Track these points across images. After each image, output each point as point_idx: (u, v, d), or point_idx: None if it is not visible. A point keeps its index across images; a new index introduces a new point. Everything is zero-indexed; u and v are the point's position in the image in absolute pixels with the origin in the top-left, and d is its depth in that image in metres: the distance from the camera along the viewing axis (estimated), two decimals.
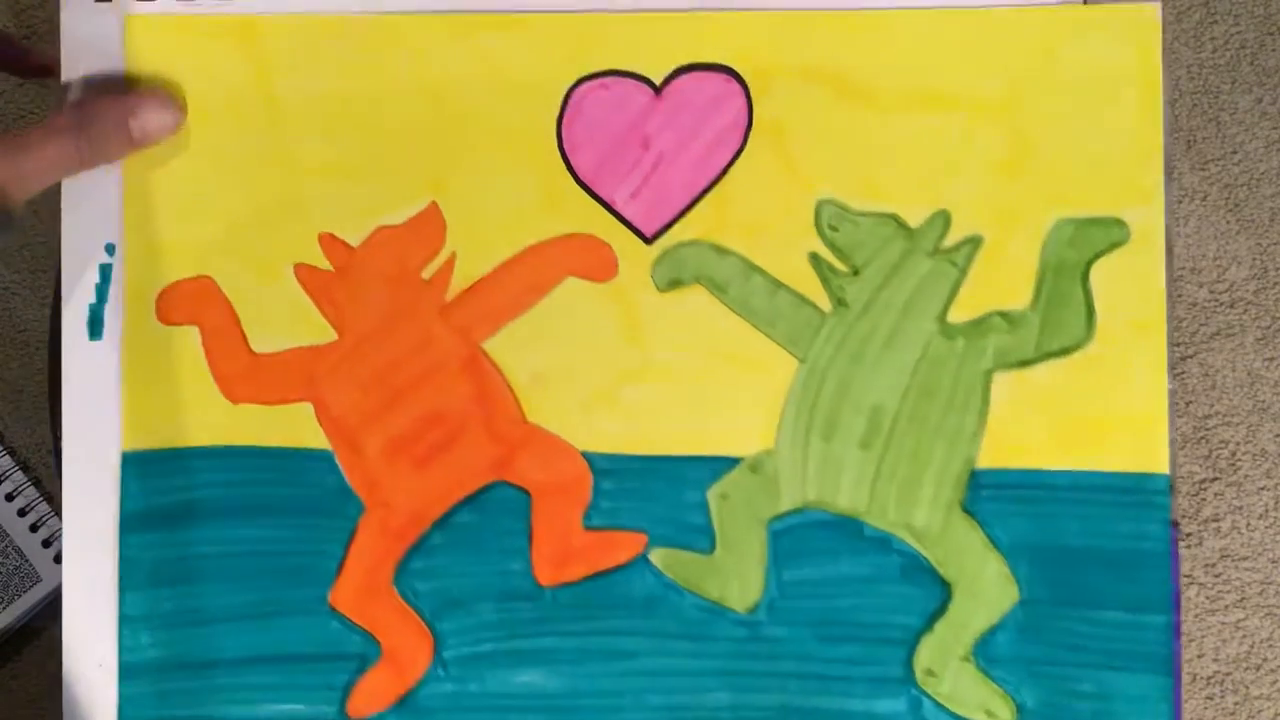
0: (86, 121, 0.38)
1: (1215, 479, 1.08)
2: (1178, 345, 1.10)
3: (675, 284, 0.40)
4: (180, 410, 0.41)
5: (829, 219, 0.40)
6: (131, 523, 0.41)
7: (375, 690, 0.41)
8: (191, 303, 0.41)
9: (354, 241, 0.41)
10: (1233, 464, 1.08)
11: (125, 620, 0.41)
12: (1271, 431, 1.09)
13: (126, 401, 0.41)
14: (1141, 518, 0.39)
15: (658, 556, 0.40)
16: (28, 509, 0.93)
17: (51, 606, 0.89)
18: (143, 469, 0.41)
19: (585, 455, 0.41)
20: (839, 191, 0.40)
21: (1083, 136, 0.39)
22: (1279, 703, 1.05)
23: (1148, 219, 0.39)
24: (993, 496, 0.39)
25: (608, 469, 0.40)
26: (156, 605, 0.41)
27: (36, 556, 0.90)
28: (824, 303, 0.40)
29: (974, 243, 0.40)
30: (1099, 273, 0.39)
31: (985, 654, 0.39)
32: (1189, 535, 1.08)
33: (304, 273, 0.41)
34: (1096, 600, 0.39)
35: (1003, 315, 0.39)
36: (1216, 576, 1.08)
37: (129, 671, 0.41)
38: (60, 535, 0.42)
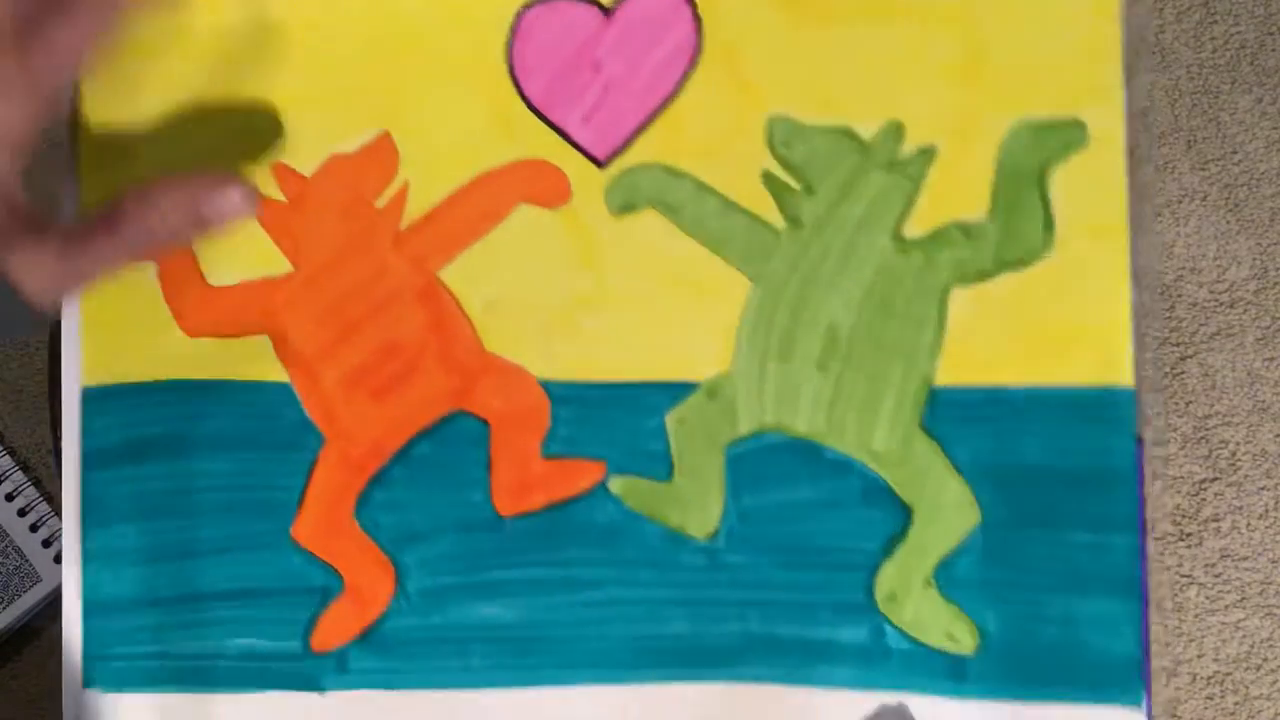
0: (150, 209, 0.35)
1: (1215, 479, 1.07)
2: (1177, 345, 1.09)
3: (629, 208, 0.40)
4: (138, 345, 0.41)
5: (781, 136, 0.39)
6: (93, 459, 0.41)
7: (338, 623, 0.41)
8: None
9: (307, 172, 0.41)
10: (1233, 464, 1.07)
11: (88, 557, 0.41)
12: (1271, 431, 1.08)
13: (85, 338, 0.41)
14: (1105, 432, 0.38)
15: (617, 485, 0.40)
16: (28, 509, 0.96)
17: (51, 606, 0.91)
18: (103, 405, 0.41)
19: (543, 383, 0.41)
20: (791, 108, 0.40)
21: (1037, 37, 0.38)
22: (1279, 703, 1.04)
23: (1106, 119, 0.38)
24: (952, 415, 0.39)
25: (565, 397, 0.40)
26: (118, 541, 0.41)
27: (36, 556, 0.92)
28: (778, 222, 0.40)
29: (928, 154, 0.39)
30: (1057, 179, 0.38)
31: (947, 578, 0.38)
32: (1189, 535, 1.06)
33: (258, 204, 0.41)
34: (1060, 520, 0.38)
35: (959, 227, 0.39)
36: (1216, 576, 1.06)
37: (92, 609, 0.41)
38: (60, 535, 0.43)
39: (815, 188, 0.39)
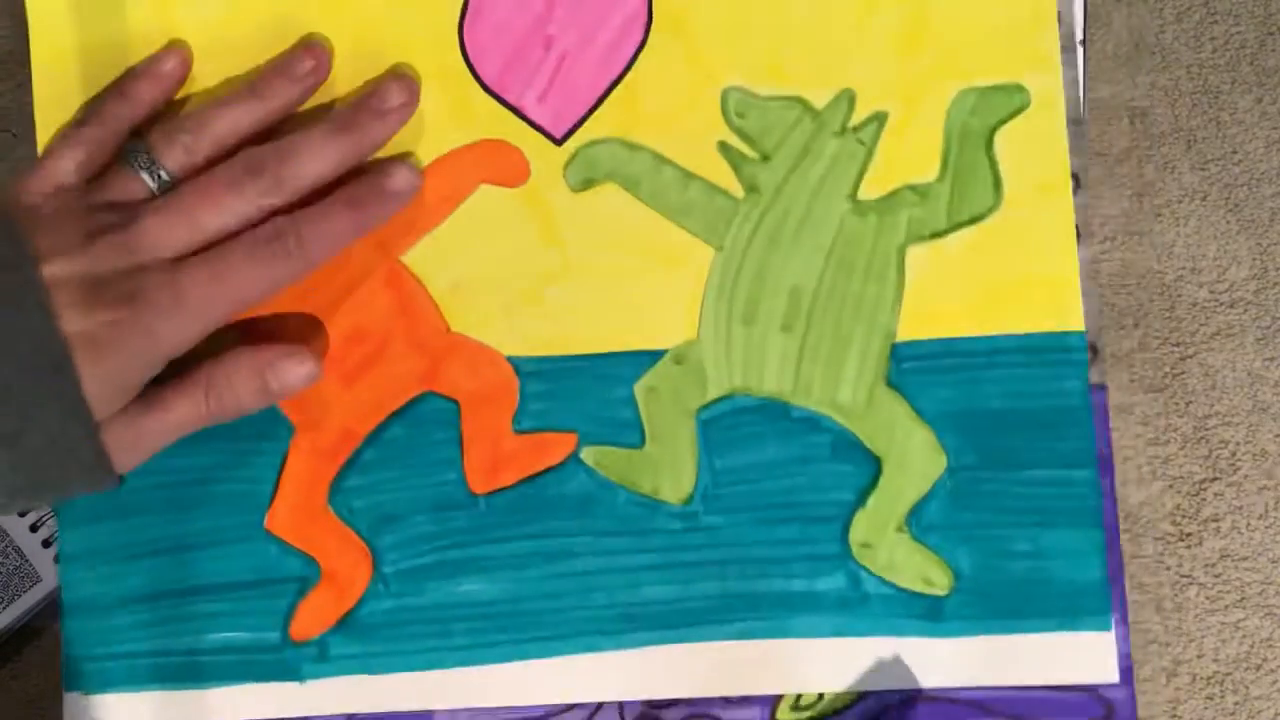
0: (219, 377, 0.38)
1: (1215, 479, 1.09)
2: (1177, 345, 1.12)
3: (588, 183, 0.41)
4: None
5: (735, 106, 0.41)
6: None
7: (317, 611, 0.42)
8: None
9: None
10: (1233, 464, 1.09)
11: (65, 559, 0.41)
12: (1271, 431, 1.10)
13: None
14: (1060, 375, 0.40)
15: (589, 455, 0.41)
16: (28, 509, 0.94)
17: (51, 606, 0.90)
18: None
19: (511, 360, 0.42)
20: (744, 78, 0.41)
21: (979, 7, 0.41)
22: (1279, 703, 1.06)
23: (1047, 84, 0.40)
24: (915, 368, 0.40)
25: (534, 371, 0.41)
26: (94, 541, 0.41)
27: (36, 556, 0.91)
28: (737, 190, 0.41)
29: (880, 119, 0.41)
30: (1003, 140, 0.41)
31: (919, 523, 0.40)
32: (1189, 535, 1.09)
33: None
34: (1023, 461, 0.40)
35: (913, 189, 0.41)
36: (1216, 576, 1.09)
37: (72, 610, 0.41)
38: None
39: (771, 156, 0.41)
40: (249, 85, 0.39)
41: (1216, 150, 1.13)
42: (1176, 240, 1.13)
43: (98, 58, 0.41)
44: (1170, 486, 1.10)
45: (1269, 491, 1.09)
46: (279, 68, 0.39)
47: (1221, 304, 1.12)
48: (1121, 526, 1.08)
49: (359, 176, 0.39)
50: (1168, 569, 1.09)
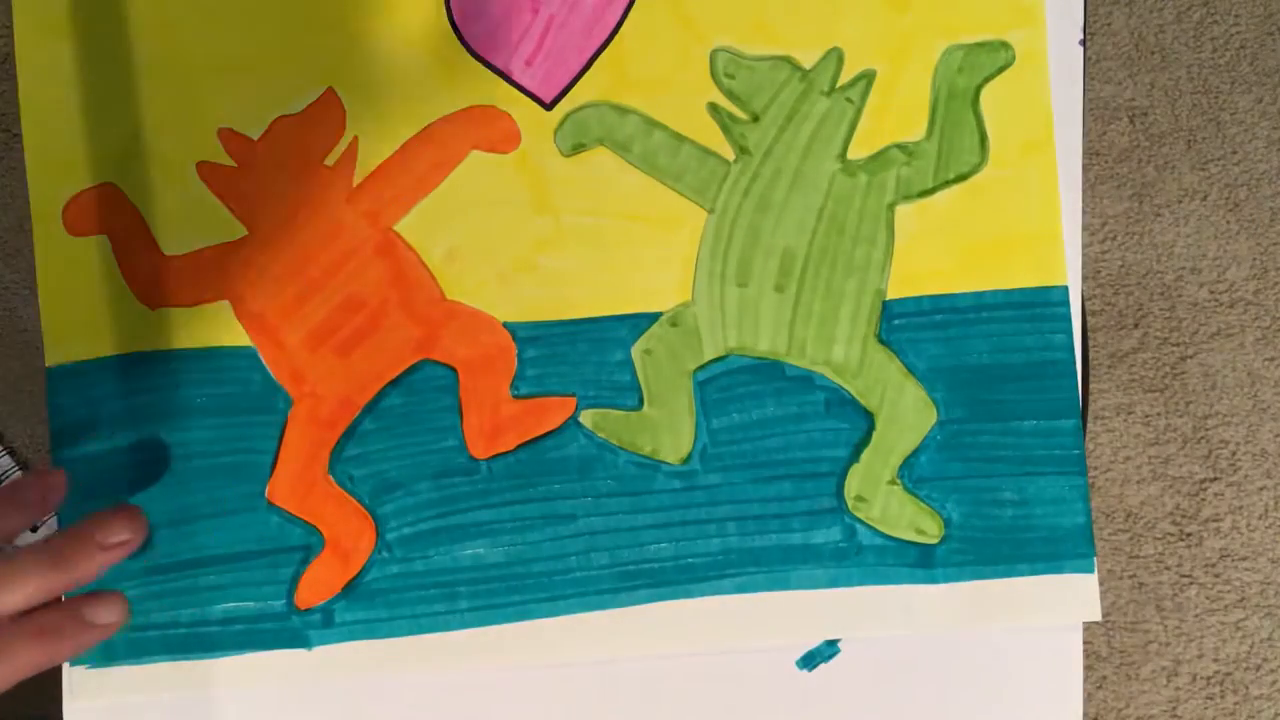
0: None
1: (1215, 479, 1.13)
2: (1177, 345, 1.16)
3: (579, 147, 0.44)
4: (99, 321, 0.44)
5: (724, 67, 0.44)
6: (63, 438, 0.44)
7: (321, 579, 0.45)
8: (98, 212, 0.44)
9: (254, 135, 0.44)
10: (1233, 464, 1.13)
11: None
12: (1271, 431, 1.14)
13: (46, 317, 0.44)
14: (1045, 329, 0.44)
15: (588, 417, 0.44)
16: None
17: None
18: (69, 383, 0.44)
19: (507, 325, 0.44)
20: (732, 39, 0.44)
21: None
22: (1279, 703, 1.11)
23: (1031, 40, 0.43)
24: (905, 325, 0.44)
25: (530, 337, 0.44)
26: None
27: None
28: (727, 152, 0.44)
29: (868, 78, 0.44)
30: (988, 97, 0.44)
31: (910, 475, 0.44)
32: (1189, 535, 1.14)
33: (207, 170, 0.44)
34: (1010, 412, 0.44)
35: (900, 147, 0.44)
36: (1216, 576, 1.13)
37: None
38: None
39: (761, 116, 0.44)
40: (52, 550, 0.38)
41: (1216, 150, 1.16)
42: (1176, 240, 1.16)
43: (85, 58, 0.43)
44: (1170, 486, 1.14)
45: (1269, 491, 1.14)
46: (88, 535, 0.39)
47: (1221, 304, 1.16)
48: (1121, 526, 1.13)
49: (58, 604, 0.38)
50: (1168, 569, 1.13)
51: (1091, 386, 1.14)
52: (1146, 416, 1.14)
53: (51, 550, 0.37)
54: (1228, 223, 1.16)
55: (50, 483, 0.40)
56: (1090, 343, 1.15)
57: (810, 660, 0.44)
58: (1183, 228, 1.16)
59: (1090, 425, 1.14)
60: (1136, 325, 1.15)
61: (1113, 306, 1.15)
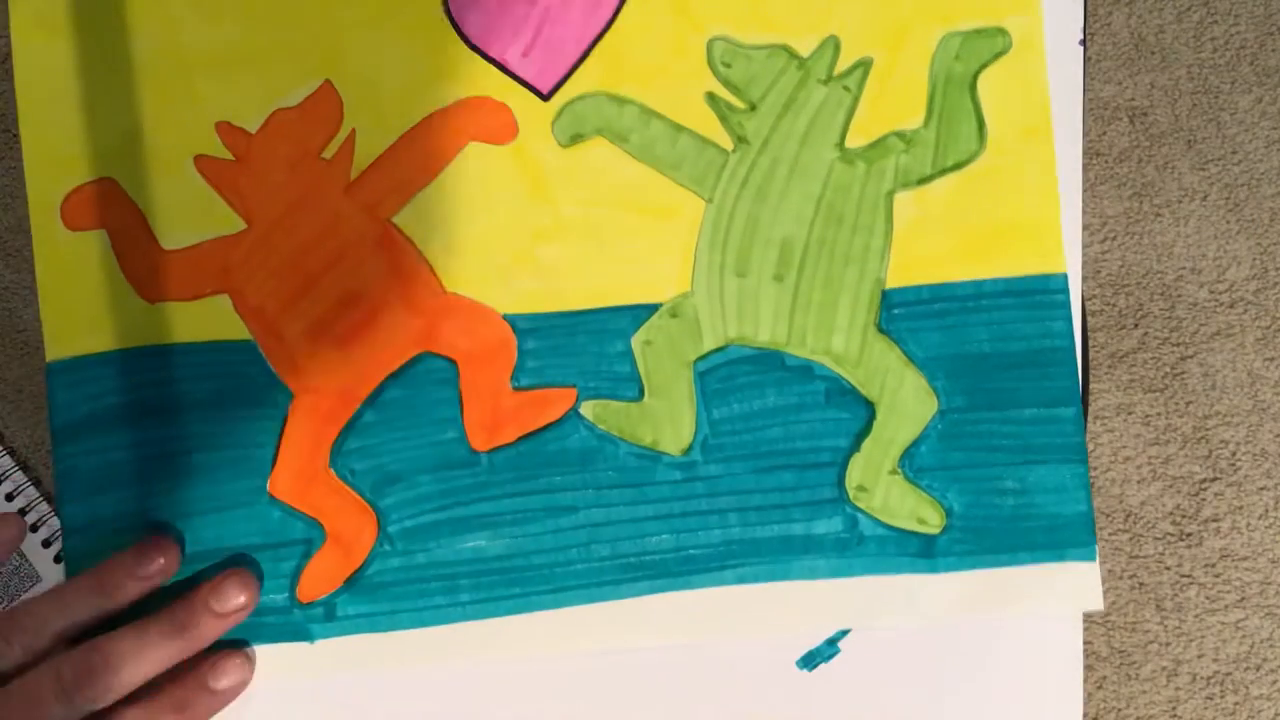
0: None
1: (1215, 479, 1.14)
2: (1177, 345, 1.16)
3: (577, 138, 0.44)
4: (99, 316, 0.44)
5: (721, 56, 0.44)
6: (63, 434, 0.44)
7: (323, 573, 0.45)
8: (96, 206, 0.44)
9: (252, 129, 0.45)
10: (1233, 464, 1.14)
11: (68, 533, 0.44)
12: (1271, 431, 1.14)
13: (45, 312, 0.44)
14: (1044, 317, 0.44)
15: (589, 409, 0.45)
16: (28, 509, 0.99)
17: None
18: (68, 378, 0.44)
19: (507, 317, 0.45)
20: (729, 27, 0.44)
21: None
22: (1279, 703, 1.12)
23: (1028, 26, 0.44)
24: (904, 314, 0.44)
25: (530, 329, 0.45)
26: (97, 512, 0.44)
27: (36, 556, 0.95)
28: (725, 142, 0.44)
29: (865, 66, 0.44)
30: (985, 84, 0.44)
31: (911, 465, 0.44)
32: (1189, 535, 1.14)
33: (205, 164, 0.45)
34: (1010, 401, 0.44)
35: (899, 135, 0.44)
36: (1216, 576, 1.13)
37: None
38: (60, 535, 0.46)
39: (758, 105, 0.44)
40: (95, 580, 0.41)
41: (1216, 150, 1.17)
42: (1176, 240, 1.16)
43: (82, 53, 0.44)
44: (1170, 486, 1.14)
45: (1269, 491, 1.14)
46: (128, 566, 0.42)
47: (1221, 304, 1.16)
48: (1121, 527, 1.14)
49: (189, 674, 0.42)
50: (1168, 569, 1.14)
51: (1091, 386, 1.14)
52: (1146, 416, 1.15)
53: (175, 620, 0.41)
54: (1228, 223, 1.17)
55: (168, 551, 0.43)
56: (1090, 343, 1.15)
57: (810, 660, 0.45)
58: (1183, 228, 1.17)
59: (1090, 425, 1.14)
60: (1136, 325, 1.15)
61: (1113, 306, 1.16)
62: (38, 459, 1.04)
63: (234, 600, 0.42)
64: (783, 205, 0.44)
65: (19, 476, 1.01)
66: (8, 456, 1.02)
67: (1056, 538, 0.44)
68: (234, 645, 0.44)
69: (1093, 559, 0.44)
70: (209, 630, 0.42)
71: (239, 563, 0.44)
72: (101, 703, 0.39)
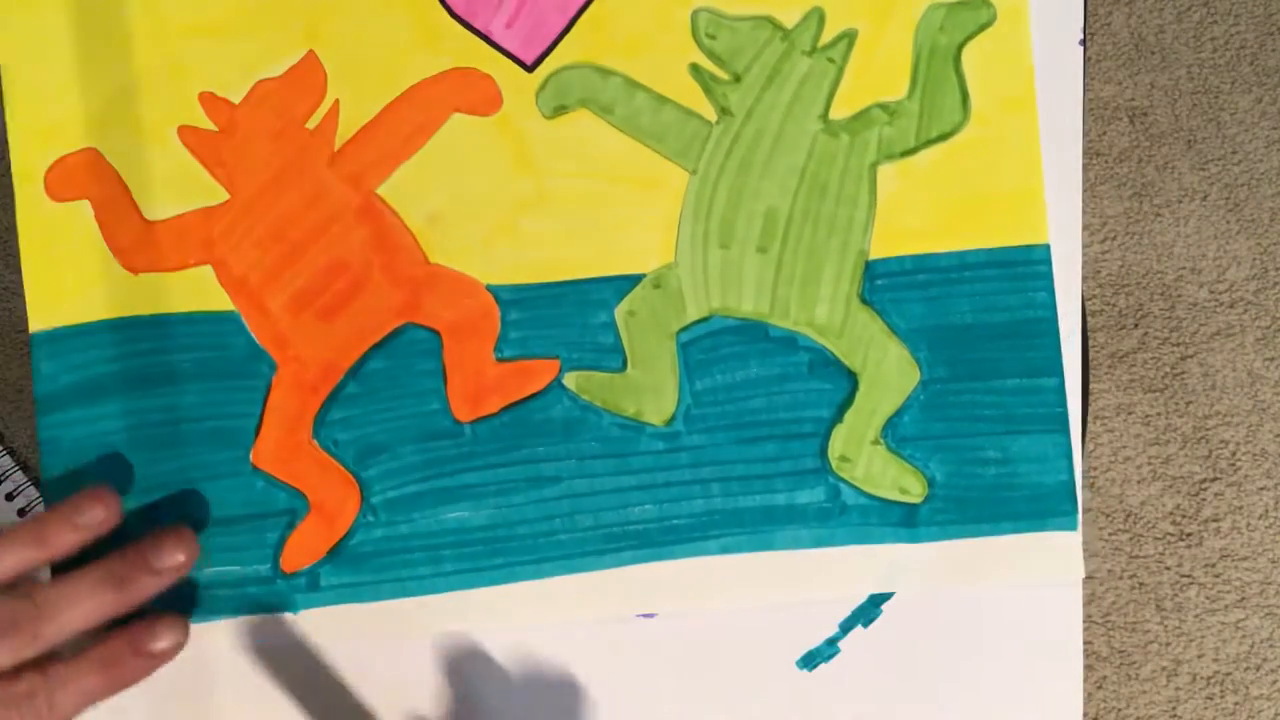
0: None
1: (1215, 479, 1.14)
2: (1177, 345, 1.16)
3: (561, 109, 0.45)
4: (82, 286, 0.44)
5: (706, 27, 0.44)
6: (47, 403, 0.44)
7: (307, 543, 0.45)
8: (79, 177, 0.45)
9: (235, 99, 0.45)
10: (1233, 464, 1.14)
11: (49, 501, 0.45)
12: (1271, 431, 1.15)
13: (29, 282, 0.44)
14: (1026, 288, 0.44)
15: (572, 380, 0.45)
16: (28, 509, 1.00)
17: None
18: (52, 348, 0.44)
19: (490, 288, 0.45)
20: None
21: None
22: (1279, 703, 1.12)
23: None
24: (887, 285, 0.44)
25: (514, 299, 0.45)
26: (80, 483, 0.44)
27: None
28: (709, 113, 0.45)
29: (849, 37, 0.44)
30: (969, 56, 0.44)
31: (894, 435, 0.44)
32: (1189, 535, 1.14)
33: (188, 134, 0.45)
34: (992, 371, 0.44)
35: (883, 107, 0.44)
36: (1216, 576, 1.14)
37: None
38: None
39: (742, 76, 0.44)
40: (33, 530, 0.40)
41: (1216, 150, 1.17)
42: (1176, 240, 1.17)
43: (66, 23, 0.44)
44: (1170, 486, 1.15)
45: (1269, 491, 1.14)
46: (66, 515, 0.40)
47: (1221, 304, 1.17)
48: (1121, 527, 1.14)
49: (120, 633, 0.41)
50: (1168, 569, 1.14)
51: (1091, 386, 1.14)
52: (1146, 416, 1.15)
53: (107, 572, 0.40)
54: (1228, 223, 1.17)
55: (108, 501, 0.41)
56: (1090, 343, 1.15)
57: (810, 660, 0.45)
58: (1183, 228, 1.17)
59: (1090, 425, 1.15)
60: (1136, 325, 1.15)
61: (1113, 306, 1.16)
62: (37, 459, 1.04)
63: (172, 557, 0.41)
64: (766, 176, 0.44)
65: (19, 476, 1.02)
66: (8, 456, 1.03)
67: (1038, 507, 0.44)
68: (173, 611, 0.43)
69: (1074, 529, 0.44)
70: (145, 586, 0.41)
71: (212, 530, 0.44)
72: (28, 651, 0.38)
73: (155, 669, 0.41)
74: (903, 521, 0.44)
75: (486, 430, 0.45)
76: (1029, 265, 0.44)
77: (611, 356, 0.45)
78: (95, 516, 0.41)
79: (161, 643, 0.41)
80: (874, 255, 0.44)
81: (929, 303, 0.44)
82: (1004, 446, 0.44)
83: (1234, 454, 1.15)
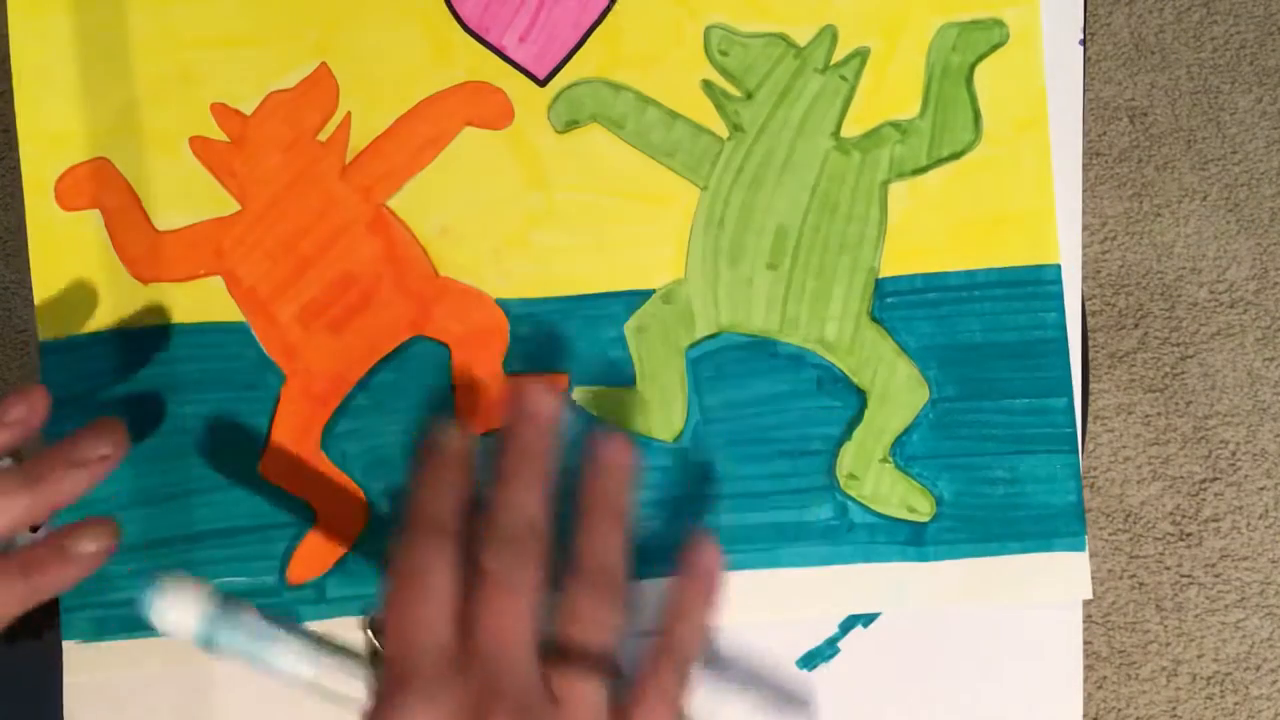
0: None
1: (1215, 479, 1.15)
2: (1177, 345, 1.17)
3: (572, 124, 0.45)
4: (92, 296, 0.45)
5: (718, 44, 0.44)
6: (55, 412, 0.45)
7: (313, 555, 0.45)
8: (90, 186, 0.45)
9: (247, 110, 0.45)
10: (1233, 464, 1.15)
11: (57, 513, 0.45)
12: (1271, 431, 1.15)
13: (38, 292, 0.45)
14: (1036, 307, 0.44)
15: (581, 395, 0.45)
16: None
17: (51, 605, 0.93)
18: (61, 358, 0.45)
19: (500, 302, 0.45)
20: (727, 15, 0.45)
21: None
22: (1279, 703, 1.13)
23: (1025, 18, 0.44)
24: (897, 303, 0.45)
25: (523, 314, 0.45)
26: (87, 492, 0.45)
27: None
28: (721, 129, 0.45)
29: (862, 55, 0.44)
30: (982, 75, 0.44)
31: (902, 453, 0.45)
32: (1189, 535, 1.15)
33: (200, 145, 0.45)
34: (1002, 391, 0.45)
35: (894, 125, 0.44)
36: (1216, 576, 1.14)
37: None
38: None
39: (754, 94, 0.45)
40: None
41: (1216, 150, 1.18)
42: (1176, 240, 1.17)
43: (79, 32, 0.44)
44: (1170, 486, 1.15)
45: (1269, 491, 1.15)
46: None
47: (1221, 304, 1.17)
48: (1121, 527, 1.14)
49: (45, 537, 0.37)
50: (1168, 569, 1.14)
51: (1091, 386, 1.14)
52: (1146, 416, 1.15)
53: (25, 471, 0.37)
54: (1228, 223, 1.17)
55: (33, 398, 0.38)
56: (1090, 343, 1.16)
57: (810, 660, 0.45)
58: (1183, 228, 1.17)
59: (1090, 425, 1.15)
60: (1136, 325, 1.16)
61: (1113, 306, 1.16)
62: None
63: (93, 449, 0.38)
64: (777, 193, 0.44)
65: None
66: (8, 458, 1.03)
67: (1046, 527, 0.44)
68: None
69: (1082, 549, 0.44)
70: (67, 484, 0.37)
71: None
72: None
73: (79, 577, 0.38)
74: (910, 540, 0.44)
75: (495, 444, 0.45)
76: (1039, 285, 0.44)
77: (621, 372, 0.45)
78: (100, 449, 0.38)
79: (85, 545, 0.37)
80: (884, 273, 0.44)
81: (939, 321, 0.44)
82: (1012, 466, 0.44)
83: (1234, 454, 1.15)
